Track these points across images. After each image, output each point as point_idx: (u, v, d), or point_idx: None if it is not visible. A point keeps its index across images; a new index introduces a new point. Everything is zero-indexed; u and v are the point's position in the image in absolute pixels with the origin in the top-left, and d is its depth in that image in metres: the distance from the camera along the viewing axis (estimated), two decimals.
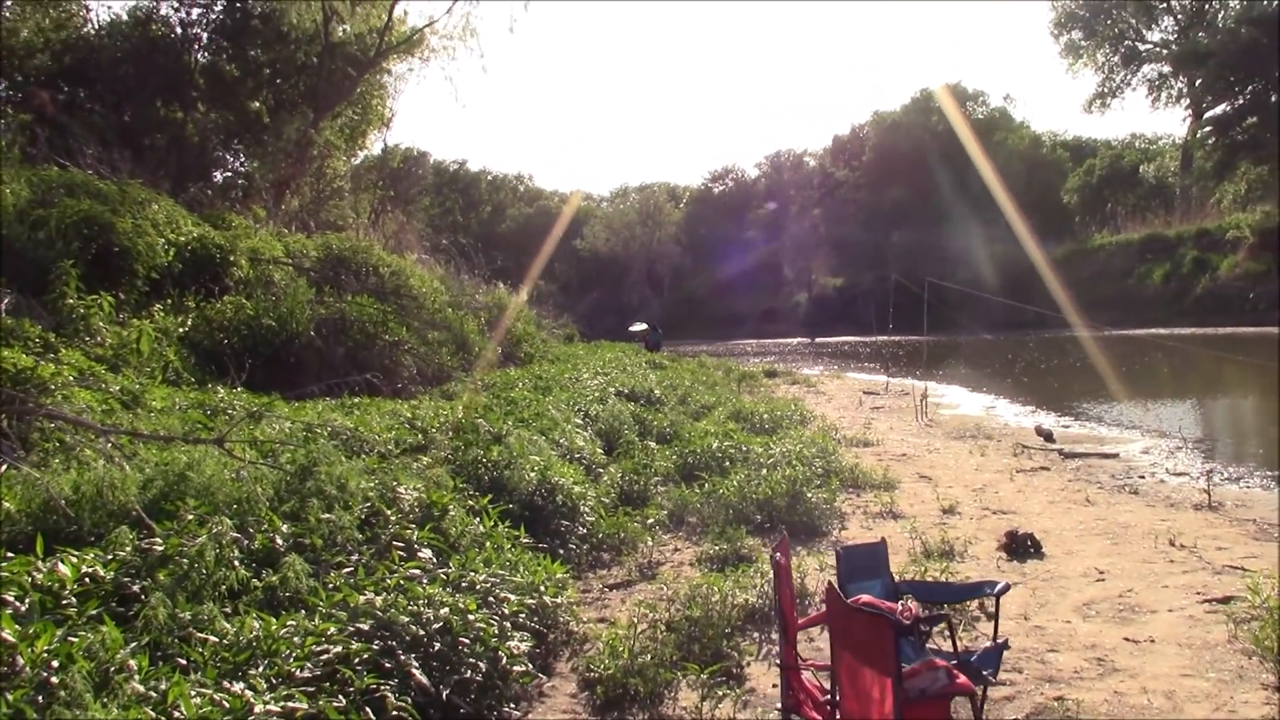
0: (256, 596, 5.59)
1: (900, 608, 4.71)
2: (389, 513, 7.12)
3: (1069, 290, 49.86)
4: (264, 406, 11.44)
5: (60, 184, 16.33)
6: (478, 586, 6.24)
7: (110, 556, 5.52)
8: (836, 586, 4.62)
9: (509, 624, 5.95)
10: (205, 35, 36.59)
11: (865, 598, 4.82)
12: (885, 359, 37.18)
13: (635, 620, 6.94)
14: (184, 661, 4.59)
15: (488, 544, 7.26)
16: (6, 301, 12.21)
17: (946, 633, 5.75)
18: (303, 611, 5.36)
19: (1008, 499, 12.10)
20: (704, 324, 79.44)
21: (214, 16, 36.29)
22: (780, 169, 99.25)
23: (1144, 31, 72.53)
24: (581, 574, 8.81)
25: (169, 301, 16.46)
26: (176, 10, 36.02)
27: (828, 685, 4.61)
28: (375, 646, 5.03)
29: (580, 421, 13.82)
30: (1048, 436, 17.75)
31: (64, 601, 4.88)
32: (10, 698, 3.74)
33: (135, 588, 5.29)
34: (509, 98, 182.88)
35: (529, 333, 28.16)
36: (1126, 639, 6.88)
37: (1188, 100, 67.74)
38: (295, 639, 4.91)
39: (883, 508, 11.44)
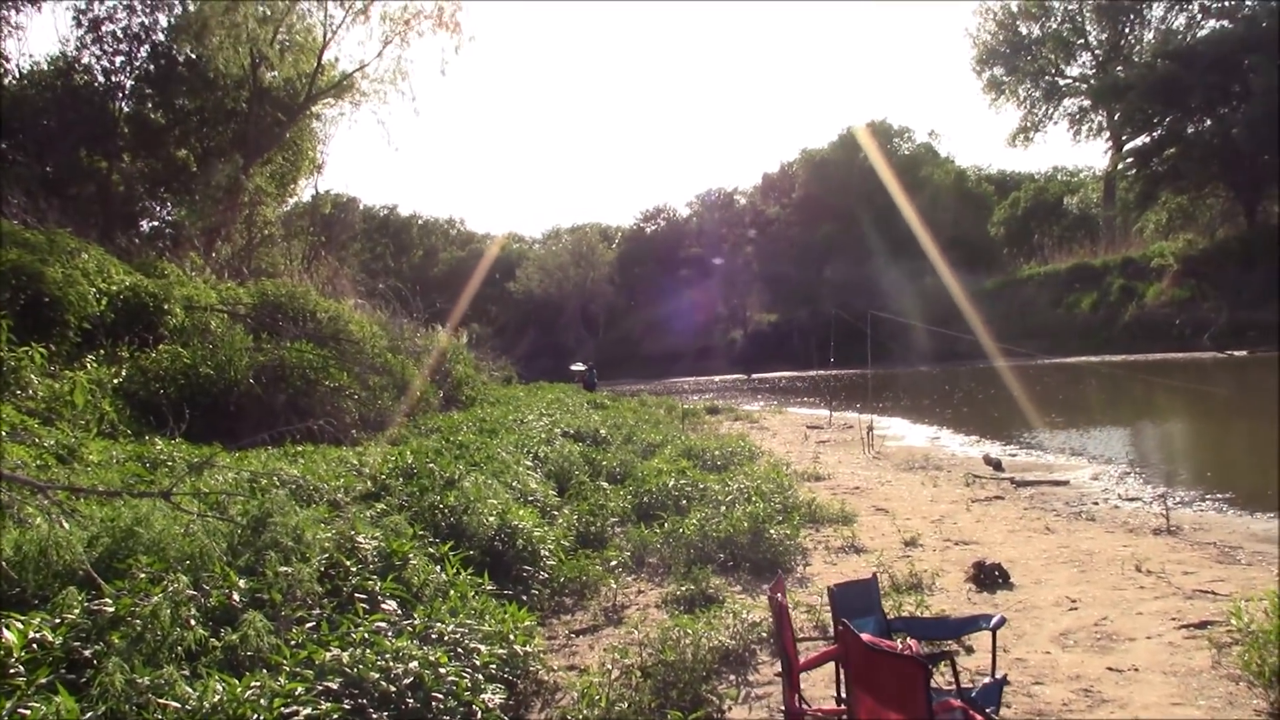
0: (216, 657, 5.27)
1: (900, 645, 4.54)
2: (349, 563, 6.84)
3: (1000, 322, 50.56)
4: (207, 457, 11.05)
5: None
6: (446, 637, 5.99)
7: (58, 620, 5.17)
8: (833, 622, 4.44)
9: (480, 675, 5.69)
10: (129, 83, 36.05)
11: (866, 637, 4.63)
12: (824, 393, 37.26)
13: (608, 666, 6.71)
14: None
15: (452, 592, 7.00)
16: None
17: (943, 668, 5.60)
18: (266, 671, 5.06)
19: (967, 529, 12.02)
20: (640, 363, 79.52)
21: (138, 64, 35.79)
22: (711, 207, 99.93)
23: (1063, 67, 74.20)
24: (545, 620, 8.55)
25: (102, 352, 16.01)
26: (99, 59, 35.51)
27: None
28: (346, 705, 4.78)
29: (530, 463, 13.57)
30: (997, 465, 17.79)
31: (11, 670, 4.56)
32: None
33: (87, 652, 4.97)
34: (440, 140, 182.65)
35: (469, 375, 27.86)
36: (1110, 669, 6.77)
37: (1108, 133, 69.39)
38: (262, 701, 4.62)
39: (844, 542, 11.30)
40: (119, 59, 35.46)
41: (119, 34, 35.13)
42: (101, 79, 35.44)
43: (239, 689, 4.69)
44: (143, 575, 5.80)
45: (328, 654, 5.19)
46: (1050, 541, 11.06)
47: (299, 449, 13.48)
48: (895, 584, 9.10)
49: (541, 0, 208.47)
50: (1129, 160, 60.76)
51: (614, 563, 9.92)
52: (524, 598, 8.30)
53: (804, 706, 4.74)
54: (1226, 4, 61.09)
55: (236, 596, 5.92)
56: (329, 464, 11.71)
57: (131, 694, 4.50)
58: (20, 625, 4.93)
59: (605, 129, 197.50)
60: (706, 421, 28.48)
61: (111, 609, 5.31)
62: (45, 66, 35.09)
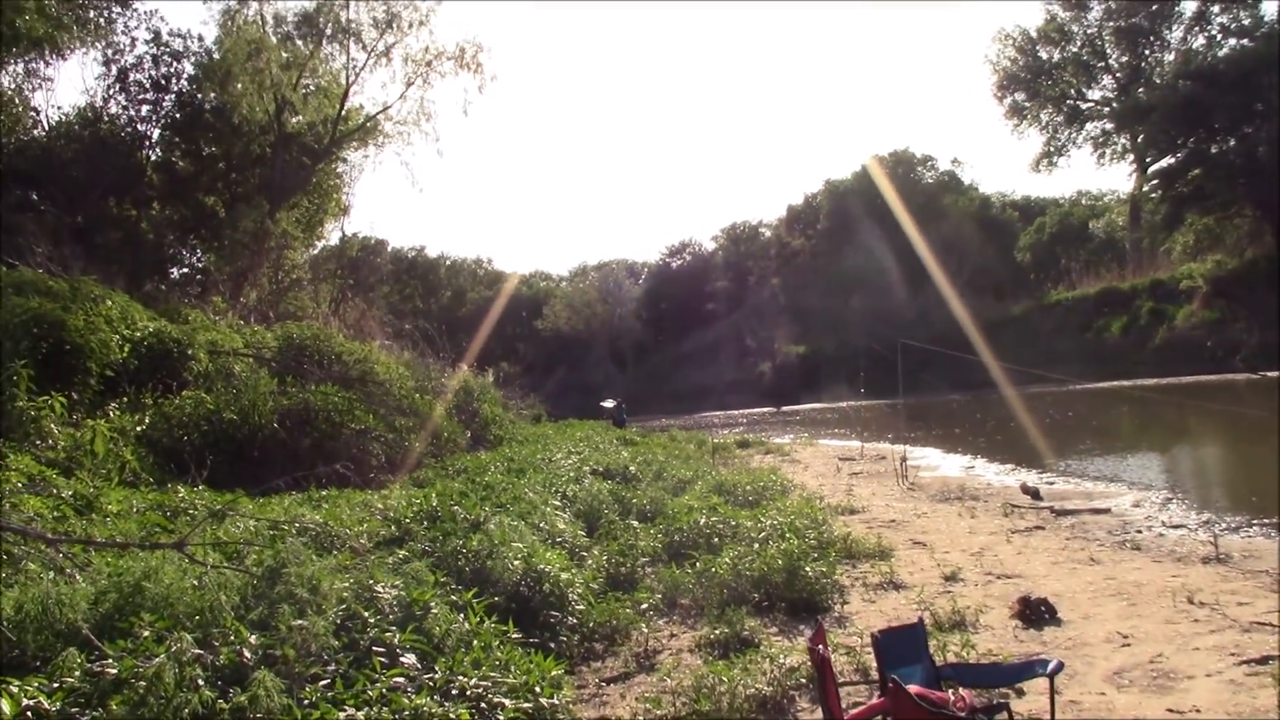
0: None
1: (952, 697, 4.21)
2: (367, 614, 6.55)
3: (1029, 348, 49.88)
4: (227, 504, 10.83)
5: (9, 283, 15.78)
6: (468, 692, 5.72)
7: (56, 684, 4.92)
8: (878, 671, 4.13)
9: None
10: (156, 132, 36.33)
11: (915, 689, 4.32)
12: (854, 424, 36.82)
13: (640, 718, 6.40)
14: None
15: (475, 643, 6.69)
16: None
17: None
18: None
19: (1009, 562, 11.63)
20: (669, 398, 79.15)
21: (164, 112, 36.03)
22: (737, 240, 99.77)
23: (1085, 91, 73.65)
24: (574, 668, 8.23)
25: (125, 399, 15.87)
26: (126, 108, 35.78)
27: None
28: None
29: (558, 503, 13.26)
30: (1035, 494, 17.37)
31: None
32: None
33: (85, 719, 4.71)
34: (466, 180, 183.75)
35: (497, 414, 27.62)
36: (1170, 710, 6.41)
37: (1132, 155, 68.63)
38: None
39: (882, 578, 10.94)
40: (145, 108, 35.79)
41: (145, 83, 35.42)
42: (129, 128, 35.74)
43: None
44: (147, 634, 5.54)
45: (342, 714, 4.92)
46: (1096, 573, 10.67)
47: (323, 493, 13.27)
48: (937, 622, 8.78)
49: (565, 36, 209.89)
50: (1154, 182, 60.11)
51: (645, 606, 9.57)
52: (551, 645, 8.00)
53: None
54: (1246, 23, 60.64)
55: (247, 654, 5.64)
56: (352, 508, 11.48)
57: None
58: (15, 690, 4.67)
59: (630, 165, 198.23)
60: (737, 455, 28.14)
61: (113, 671, 5.05)
62: (73, 117, 35.41)
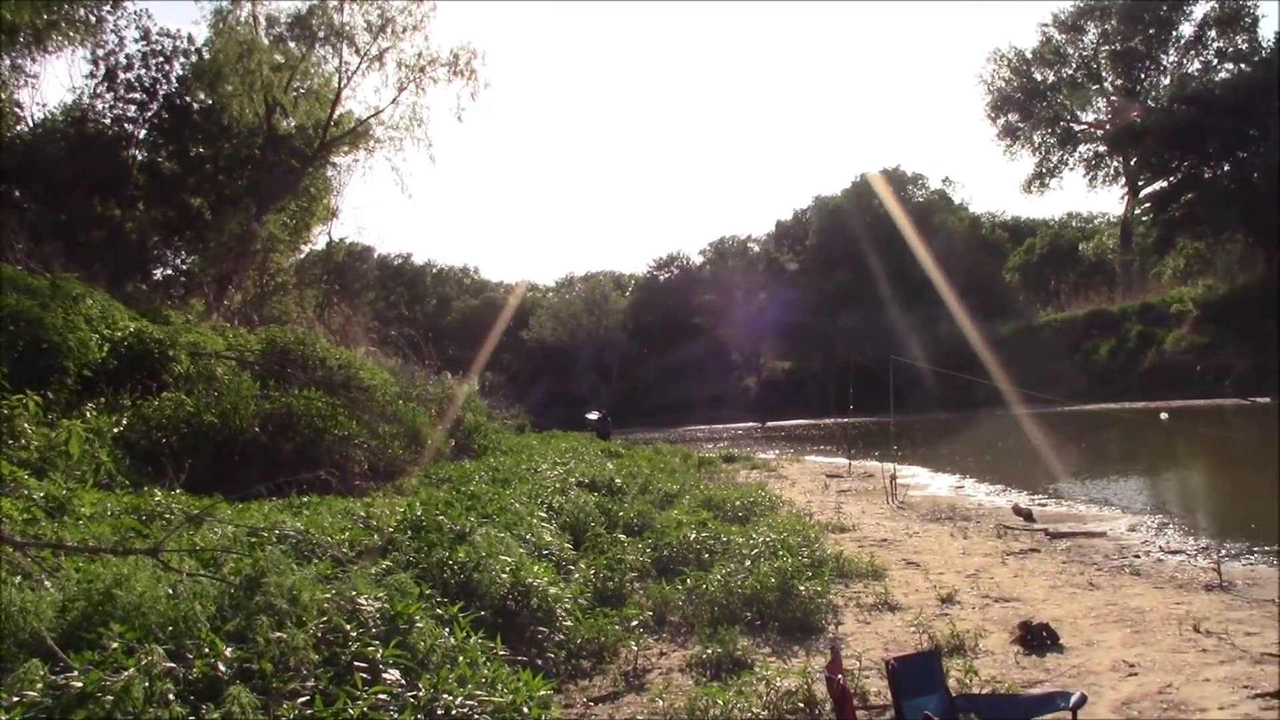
0: None
1: None
2: (348, 627, 6.25)
3: (1017, 369, 49.81)
4: (205, 509, 10.52)
5: None
6: (453, 711, 5.47)
7: (16, 698, 4.62)
8: (892, 701, 3.87)
9: None
10: (143, 131, 35.89)
11: None
12: (840, 441, 36.61)
13: None
14: None
15: (460, 659, 6.40)
16: None
17: None
18: None
19: (1006, 585, 11.38)
20: (653, 411, 78.72)
21: (152, 112, 35.63)
22: (725, 255, 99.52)
23: (1079, 112, 73.83)
24: (561, 686, 7.94)
25: (103, 400, 15.54)
26: (113, 107, 35.38)
27: None
28: None
29: (544, 514, 13.00)
30: (1027, 516, 17.17)
31: None
32: None
33: None
34: (455, 188, 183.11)
35: (481, 423, 27.33)
36: None
37: (1124, 178, 68.80)
38: None
39: (876, 599, 10.68)
40: (133, 107, 35.34)
41: (133, 82, 35.02)
42: (115, 127, 35.32)
43: None
44: (115, 645, 5.23)
45: None
46: (1096, 598, 10.43)
47: (304, 500, 12.95)
48: (937, 646, 8.51)
49: (557, 47, 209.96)
50: (1146, 205, 60.30)
51: (635, 623, 9.29)
52: (539, 662, 7.73)
53: None
54: (1243, 47, 60.90)
55: (222, 667, 5.35)
56: (334, 516, 11.17)
57: None
58: None
59: (619, 177, 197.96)
60: (723, 470, 27.90)
61: (79, 684, 4.75)
62: (59, 115, 35.00)
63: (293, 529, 9.46)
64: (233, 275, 36.05)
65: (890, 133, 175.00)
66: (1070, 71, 72.25)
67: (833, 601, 10.35)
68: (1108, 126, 69.96)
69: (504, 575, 8.38)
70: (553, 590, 8.64)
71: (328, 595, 6.64)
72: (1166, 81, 66.40)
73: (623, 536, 12.97)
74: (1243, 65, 57.33)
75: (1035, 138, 74.84)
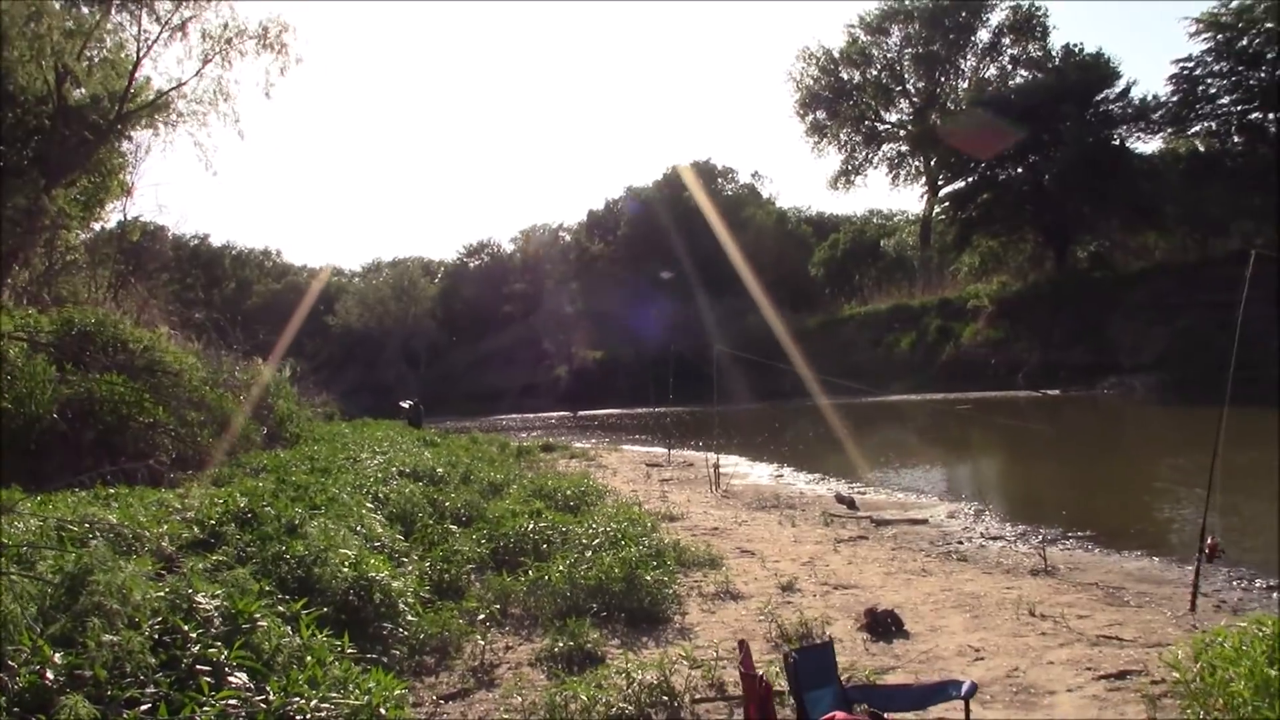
0: None
1: None
2: (187, 628, 5.76)
3: (823, 360, 51.10)
4: (3, 502, 9.68)
5: None
6: (308, 716, 5.07)
7: None
8: (791, 695, 3.72)
9: None
10: None
11: (840, 715, 3.92)
12: (655, 430, 36.80)
13: None
14: None
15: (308, 658, 6.00)
16: None
17: None
18: None
19: (842, 572, 11.50)
20: (464, 399, 77.88)
21: None
22: (536, 243, 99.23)
23: (883, 113, 76.29)
24: (406, 682, 7.57)
25: None
26: None
27: None
28: None
29: (371, 505, 12.51)
30: (850, 504, 17.51)
31: None
32: None
33: None
34: (261, 168, 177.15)
35: (293, 411, 26.33)
36: None
37: (925, 178, 71.50)
38: None
39: (717, 587, 10.62)
40: None
41: None
42: None
43: None
44: None
45: None
46: (932, 584, 10.63)
47: (112, 491, 12.10)
48: (785, 635, 8.51)
49: (368, 25, 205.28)
50: (945, 204, 62.75)
51: (481, 616, 8.98)
52: (384, 659, 7.36)
53: None
54: (1036, 55, 64.03)
55: (51, 675, 4.83)
56: (148, 508, 10.43)
57: None
58: None
59: (428, 161, 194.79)
60: (542, 459, 27.68)
61: None
62: None
63: (107, 523, 8.78)
64: (18, 251, 33.75)
65: (702, 126, 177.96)
66: (875, 72, 74.58)
67: (676, 591, 10.23)
68: (910, 128, 72.55)
69: (345, 569, 7.96)
70: (395, 584, 8.26)
71: (161, 593, 6.12)
72: (965, 85, 69.28)
73: (454, 527, 12.61)
74: (1035, 72, 60.30)
75: (841, 136, 77.09)
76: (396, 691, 5.94)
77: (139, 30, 35.27)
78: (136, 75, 35.99)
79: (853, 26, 74.20)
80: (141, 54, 35.55)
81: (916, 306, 61.60)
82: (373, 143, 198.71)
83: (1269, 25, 43.35)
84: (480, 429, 44.59)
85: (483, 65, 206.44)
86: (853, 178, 78.03)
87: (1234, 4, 44.52)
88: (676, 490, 20.68)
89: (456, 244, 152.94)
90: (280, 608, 6.78)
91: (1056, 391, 43.71)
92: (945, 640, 8.37)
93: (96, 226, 44.49)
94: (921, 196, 73.76)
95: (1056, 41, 63.50)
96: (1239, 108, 47.06)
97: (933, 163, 66.72)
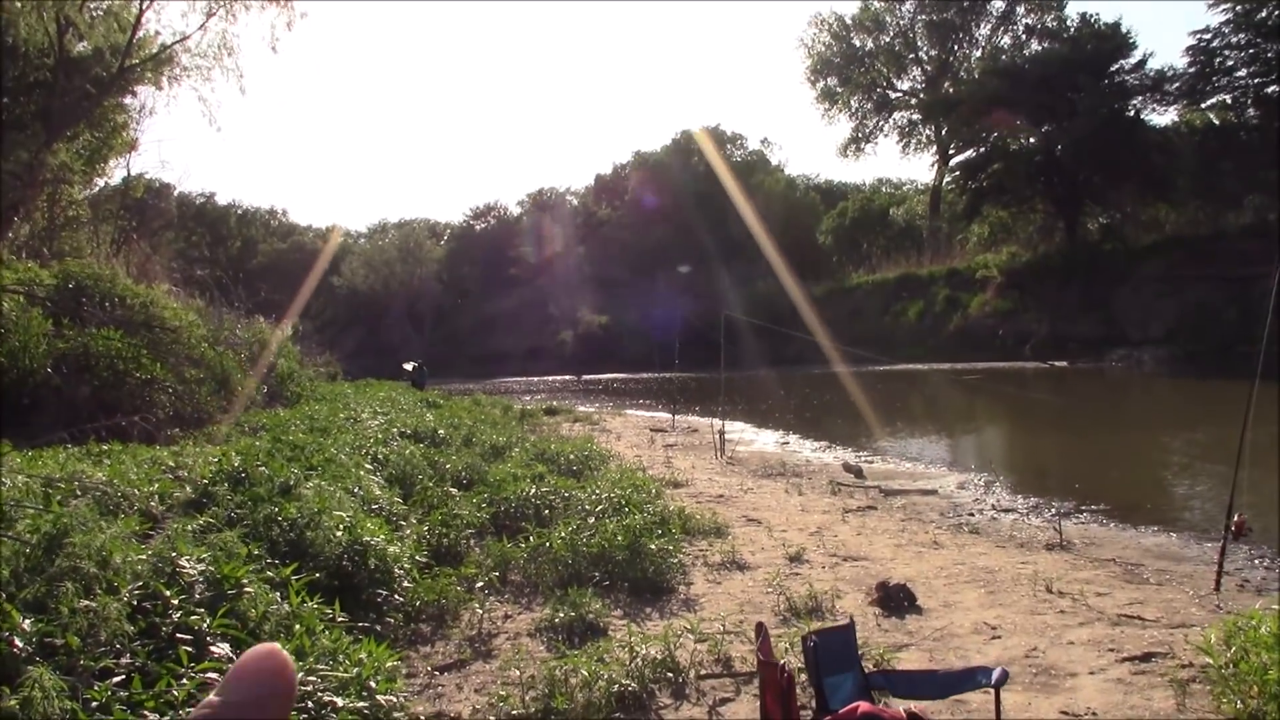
0: None
1: (906, 717, 3.52)
2: (169, 594, 5.46)
3: (830, 328, 50.76)
4: None
5: None
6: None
7: None
8: (810, 681, 3.41)
9: None
10: None
11: (864, 706, 3.61)
12: (659, 395, 36.52)
13: (488, 718, 5.56)
14: None
15: (296, 627, 5.71)
16: None
17: None
18: None
19: (851, 543, 11.20)
20: (468, 362, 77.59)
21: None
22: (543, 207, 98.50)
23: (894, 80, 75.48)
24: (402, 653, 7.28)
25: None
26: None
27: None
28: None
29: (370, 467, 12.21)
30: (858, 473, 17.21)
31: None
32: None
33: None
34: (267, 125, 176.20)
35: (295, 370, 26.06)
36: (1064, 713, 5.95)
37: (935, 147, 70.81)
38: None
39: (724, 557, 10.32)
40: None
41: None
42: None
43: None
44: None
45: None
46: (944, 557, 10.32)
47: (105, 448, 11.83)
48: (793, 608, 8.22)
49: None
50: (955, 174, 62.11)
51: (481, 584, 8.69)
52: (377, 627, 7.07)
53: None
54: (1051, 24, 63.21)
55: (19, 642, 4.53)
56: (140, 466, 10.16)
57: None
58: None
59: (436, 122, 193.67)
60: (545, 423, 27.37)
61: None
62: None
63: (95, 481, 8.50)
64: (19, 205, 33.38)
65: (710, 92, 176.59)
66: (888, 39, 73.75)
67: (681, 561, 9.93)
68: (921, 95, 71.82)
69: (339, 533, 7.66)
70: (391, 549, 7.97)
71: (143, 556, 5.82)
72: (978, 54, 68.51)
73: (454, 490, 12.32)
74: (1050, 42, 59.53)
75: (853, 103, 76.29)
76: (389, 663, 5.67)
77: None
78: (139, 28, 35.45)
79: None
80: (145, 6, 35.00)
81: (924, 276, 61.05)
82: (380, 103, 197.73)
83: None
84: (484, 391, 44.36)
85: (492, 28, 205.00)
86: (863, 145, 77.37)
87: None
88: (681, 456, 20.39)
89: (463, 207, 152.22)
90: (270, 573, 6.48)
91: (1064, 363, 43.33)
92: (960, 617, 8.07)
93: (100, 182, 44.11)
94: (932, 165, 73.10)
95: (1073, 10, 62.96)
96: (1256, 80, 46.39)
97: (944, 131, 65.97)
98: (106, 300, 18.94)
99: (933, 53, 72.13)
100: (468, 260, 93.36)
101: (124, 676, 4.53)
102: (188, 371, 18.11)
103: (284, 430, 14.86)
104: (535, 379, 67.34)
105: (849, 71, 75.12)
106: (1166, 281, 44.94)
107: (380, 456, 13.13)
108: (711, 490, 15.43)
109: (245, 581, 5.93)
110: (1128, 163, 48.21)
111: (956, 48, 71.05)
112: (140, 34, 35.84)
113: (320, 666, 5.15)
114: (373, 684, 5.29)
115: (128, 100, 39.39)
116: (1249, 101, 47.46)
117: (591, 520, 10.20)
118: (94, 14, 34.97)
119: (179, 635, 5.05)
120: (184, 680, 4.51)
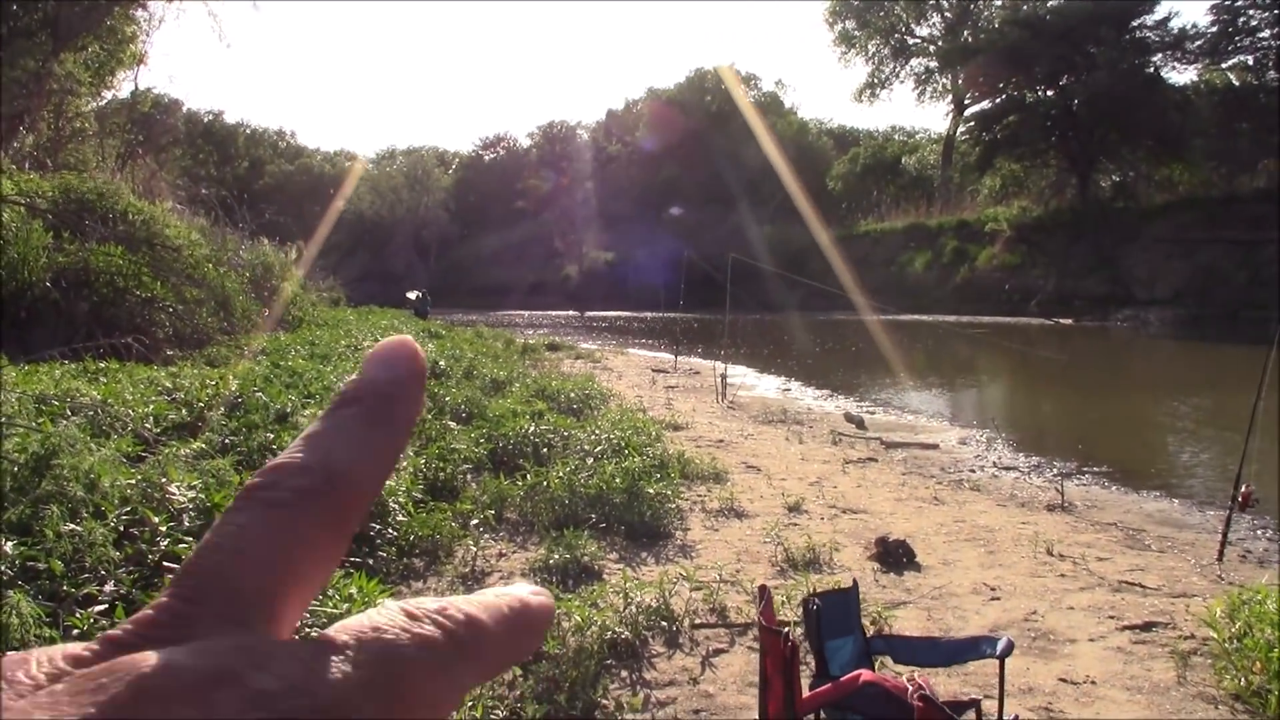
0: None
1: (911, 689, 3.40)
2: (157, 520, 5.36)
3: (836, 276, 50.49)
4: None
5: None
6: None
7: None
8: (810, 644, 3.29)
9: None
10: None
11: (867, 674, 3.49)
12: (662, 336, 36.34)
13: None
14: None
15: None
16: None
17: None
18: None
19: (850, 495, 11.09)
20: (471, 293, 77.44)
21: None
22: (553, 140, 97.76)
23: (914, 26, 74.57)
24: (393, 587, 7.20)
25: None
26: None
27: None
28: None
29: None
30: (859, 423, 17.09)
31: None
32: None
33: None
34: (275, 45, 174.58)
35: (297, 295, 25.91)
36: (1063, 679, 5.84)
37: (951, 96, 70.06)
38: None
39: (721, 504, 10.19)
40: None
41: None
42: None
43: None
44: None
45: None
46: (944, 514, 10.21)
47: (101, 366, 11.70)
48: (791, 559, 8.12)
49: None
50: (970, 124, 61.53)
51: (476, 521, 8.59)
52: (369, 561, 6.98)
53: None
54: None
55: (1, 566, 4.44)
56: (136, 386, 10.05)
57: None
58: None
59: (448, 50, 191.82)
60: (547, 358, 27.22)
61: None
62: None
63: (89, 399, 8.38)
64: (24, 115, 33.01)
65: (725, 32, 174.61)
66: None
67: (679, 506, 9.83)
68: (940, 43, 70.93)
69: None
70: (388, 481, 7.85)
71: (132, 481, 5.71)
72: (1000, 3, 67.55)
73: (452, 424, 12.19)
74: None
75: (870, 47, 75.48)
76: (380, 598, 5.55)
77: None
78: None
79: None
80: None
81: (933, 227, 60.70)
82: (393, 27, 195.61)
83: None
84: (487, 323, 44.26)
85: None
86: (878, 91, 76.64)
87: None
88: (681, 399, 20.26)
89: (473, 137, 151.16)
90: None
91: (1069, 321, 43.16)
92: (959, 576, 7.97)
93: (107, 95, 43.60)
94: (946, 114, 72.41)
95: None
96: (1279, 42, 45.80)
97: (960, 81, 65.21)
98: (109, 216, 18.74)
99: (953, 0, 71.17)
100: (475, 190, 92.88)
101: (107, 605, 4.44)
102: (188, 291, 17.96)
103: (283, 355, 14.75)
104: (538, 313, 67.15)
105: (868, 15, 74.18)
106: (1176, 242, 44.72)
107: None
108: (711, 435, 15.31)
109: None
110: (1144, 120, 47.79)
111: None
112: None
113: (311, 602, 5.03)
114: None
115: (137, 12, 38.79)
116: (1270, 63, 46.86)
117: (590, 461, 10.10)
118: None
119: (165, 564, 4.95)
120: None
